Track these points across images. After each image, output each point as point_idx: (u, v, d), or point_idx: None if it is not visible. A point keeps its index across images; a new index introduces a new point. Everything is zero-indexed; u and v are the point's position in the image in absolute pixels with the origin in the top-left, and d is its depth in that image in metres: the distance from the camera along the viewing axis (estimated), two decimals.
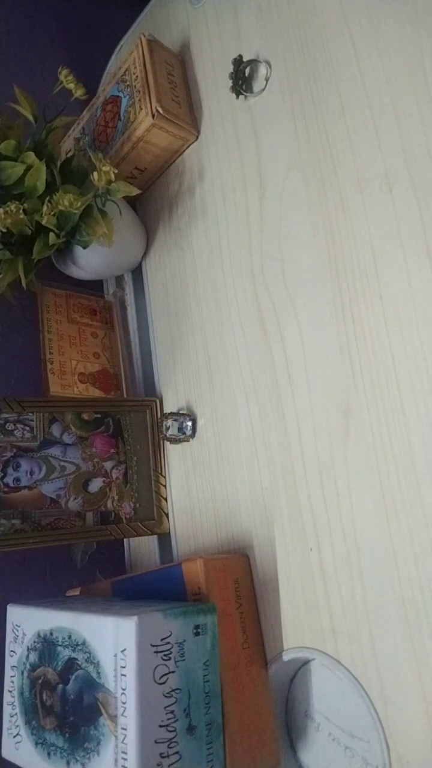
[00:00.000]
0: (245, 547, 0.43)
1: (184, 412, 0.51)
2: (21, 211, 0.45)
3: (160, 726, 0.31)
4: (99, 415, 0.51)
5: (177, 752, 0.31)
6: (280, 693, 0.40)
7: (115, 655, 0.32)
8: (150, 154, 0.55)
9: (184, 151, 0.56)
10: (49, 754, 0.35)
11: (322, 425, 0.39)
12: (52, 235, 0.48)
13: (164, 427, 0.51)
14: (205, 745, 0.33)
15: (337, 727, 0.37)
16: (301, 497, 0.39)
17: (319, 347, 0.40)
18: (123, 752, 0.30)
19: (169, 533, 0.51)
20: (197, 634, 0.34)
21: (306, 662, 0.39)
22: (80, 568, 0.59)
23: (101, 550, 0.60)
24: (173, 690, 0.32)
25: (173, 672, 0.32)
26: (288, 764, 0.39)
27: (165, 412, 0.53)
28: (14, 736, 0.38)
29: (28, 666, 0.38)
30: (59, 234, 0.48)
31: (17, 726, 0.38)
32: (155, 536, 0.52)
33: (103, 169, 0.46)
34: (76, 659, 0.34)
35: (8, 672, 0.40)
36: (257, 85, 0.48)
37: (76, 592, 0.49)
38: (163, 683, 0.32)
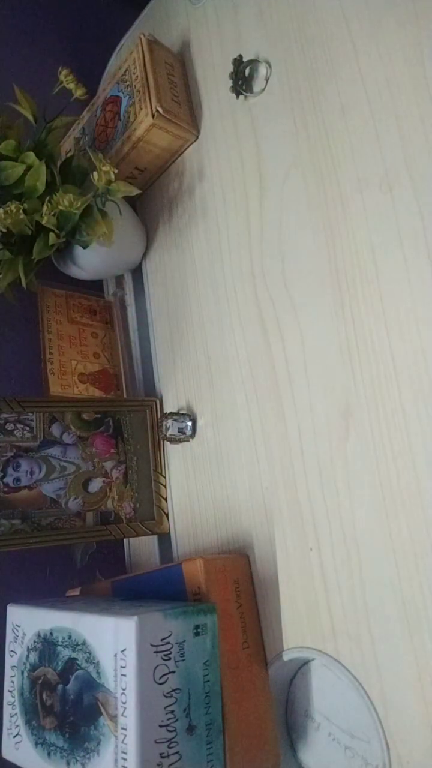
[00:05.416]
0: (245, 547, 0.43)
1: (184, 412, 0.51)
2: (21, 211, 0.45)
3: (160, 726, 0.31)
4: (99, 415, 0.51)
5: (177, 752, 0.31)
6: (280, 693, 0.40)
7: (115, 655, 0.32)
8: (150, 154, 0.55)
9: (184, 151, 0.56)
10: (49, 754, 0.35)
11: (322, 425, 0.39)
12: (52, 235, 0.48)
13: (164, 427, 0.51)
14: (205, 745, 0.33)
15: (337, 727, 0.37)
16: (301, 497, 0.39)
17: (319, 347, 0.40)
18: (123, 752, 0.30)
19: (169, 533, 0.51)
20: (197, 634, 0.34)
21: (306, 662, 0.39)
22: (80, 568, 0.59)
23: (101, 550, 0.60)
24: (173, 690, 0.32)
25: (173, 672, 0.32)
26: (288, 764, 0.39)
27: (165, 412, 0.53)
28: (14, 736, 0.38)
29: (28, 666, 0.38)
30: (59, 234, 0.48)
31: (17, 726, 0.38)
32: (155, 536, 0.52)
33: (103, 169, 0.46)
34: (76, 659, 0.34)
35: (8, 672, 0.40)
36: (257, 85, 0.48)
37: (76, 592, 0.49)
38: (163, 683, 0.32)
